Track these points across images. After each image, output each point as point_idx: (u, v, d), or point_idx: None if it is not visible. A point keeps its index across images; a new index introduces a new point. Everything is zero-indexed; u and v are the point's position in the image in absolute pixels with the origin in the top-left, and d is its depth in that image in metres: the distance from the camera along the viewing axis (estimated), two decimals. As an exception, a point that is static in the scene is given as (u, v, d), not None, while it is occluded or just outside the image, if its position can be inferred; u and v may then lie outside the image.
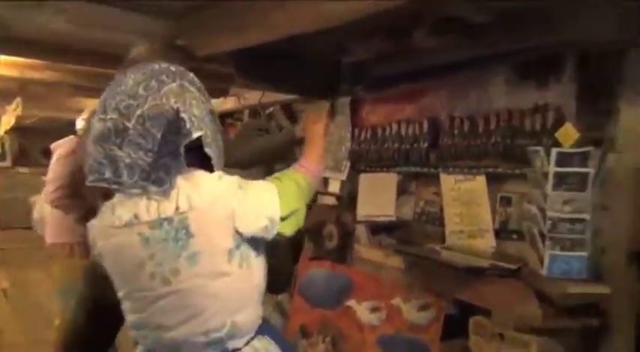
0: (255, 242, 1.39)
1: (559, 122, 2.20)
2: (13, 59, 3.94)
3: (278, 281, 3.73)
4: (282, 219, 1.42)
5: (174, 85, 1.33)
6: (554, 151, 1.94)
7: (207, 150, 1.35)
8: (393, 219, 2.89)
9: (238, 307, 1.36)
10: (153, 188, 1.26)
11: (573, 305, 2.04)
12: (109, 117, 1.26)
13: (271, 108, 4.43)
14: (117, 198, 1.34)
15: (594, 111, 2.20)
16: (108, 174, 1.26)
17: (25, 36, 2.73)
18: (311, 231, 3.26)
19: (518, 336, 2.10)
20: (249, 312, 1.39)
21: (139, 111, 1.25)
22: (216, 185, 1.35)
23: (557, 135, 2.01)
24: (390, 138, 2.94)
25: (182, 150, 1.30)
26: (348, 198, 3.26)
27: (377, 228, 2.88)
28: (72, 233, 3.23)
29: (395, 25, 2.59)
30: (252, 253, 1.39)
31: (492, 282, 2.23)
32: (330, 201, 3.40)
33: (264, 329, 1.46)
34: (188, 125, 1.29)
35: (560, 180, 1.94)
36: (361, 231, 3.03)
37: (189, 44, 2.77)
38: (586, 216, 1.95)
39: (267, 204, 1.40)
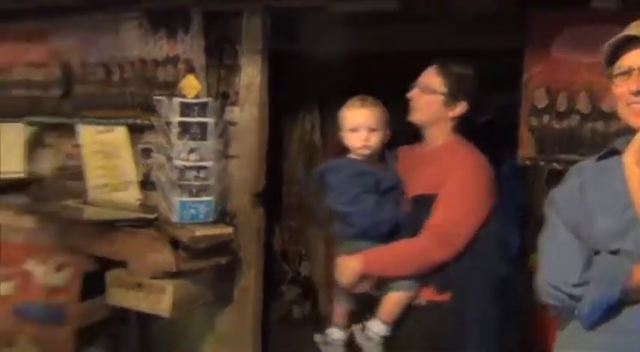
0: None
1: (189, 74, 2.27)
2: None
3: None
4: None
5: None
6: (176, 101, 1.99)
7: None
8: (23, 175, 2.57)
9: None
10: None
11: (204, 248, 2.18)
12: None
13: None
14: None
15: (221, 66, 2.35)
16: None
17: None
18: None
19: (154, 283, 2.15)
20: None
21: None
22: None
23: (180, 86, 2.06)
24: (17, 84, 2.57)
25: None
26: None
27: (2, 187, 2.52)
28: None
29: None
30: None
31: (130, 234, 2.22)
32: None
33: None
34: None
35: (184, 130, 2.02)
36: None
37: None
38: (209, 164, 2.08)
39: None
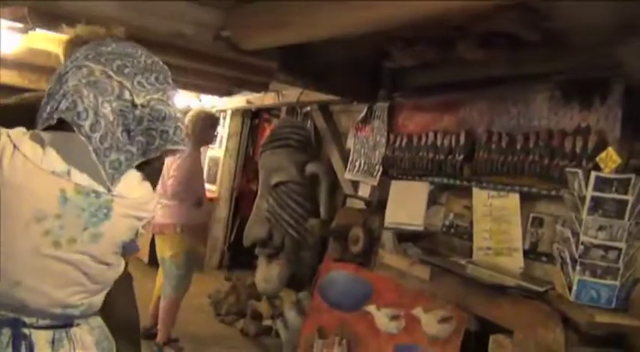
0: None
1: (600, 146, 2.15)
2: (61, 37, 4.04)
3: (300, 278, 3.74)
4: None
5: (173, 91, 1.40)
6: (593, 175, 1.90)
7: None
8: (421, 228, 2.88)
9: (99, 290, 1.37)
10: (106, 166, 1.27)
11: (598, 335, 1.99)
12: (126, 83, 1.28)
13: (308, 107, 4.46)
14: (58, 137, 1.26)
15: (635, 138, 2.15)
16: (86, 124, 1.24)
17: (77, 17, 2.78)
18: (337, 232, 3.26)
19: (538, 359, 2.06)
20: (103, 295, 1.40)
21: (148, 97, 1.30)
22: (150, 190, 1.42)
23: (598, 159, 1.96)
24: (425, 148, 2.92)
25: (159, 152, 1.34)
26: (378, 204, 3.25)
27: (403, 236, 2.87)
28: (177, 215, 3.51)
29: (440, 34, 2.58)
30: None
31: (517, 302, 2.19)
32: (359, 204, 3.40)
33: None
34: (181, 137, 1.35)
35: (597, 205, 1.90)
36: (387, 238, 3.02)
37: (234, 36, 2.81)
38: (621, 245, 1.90)
39: None
